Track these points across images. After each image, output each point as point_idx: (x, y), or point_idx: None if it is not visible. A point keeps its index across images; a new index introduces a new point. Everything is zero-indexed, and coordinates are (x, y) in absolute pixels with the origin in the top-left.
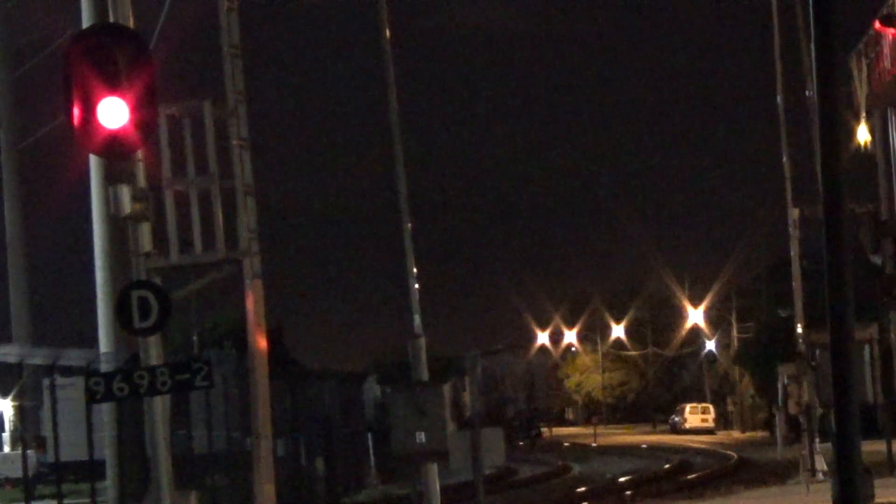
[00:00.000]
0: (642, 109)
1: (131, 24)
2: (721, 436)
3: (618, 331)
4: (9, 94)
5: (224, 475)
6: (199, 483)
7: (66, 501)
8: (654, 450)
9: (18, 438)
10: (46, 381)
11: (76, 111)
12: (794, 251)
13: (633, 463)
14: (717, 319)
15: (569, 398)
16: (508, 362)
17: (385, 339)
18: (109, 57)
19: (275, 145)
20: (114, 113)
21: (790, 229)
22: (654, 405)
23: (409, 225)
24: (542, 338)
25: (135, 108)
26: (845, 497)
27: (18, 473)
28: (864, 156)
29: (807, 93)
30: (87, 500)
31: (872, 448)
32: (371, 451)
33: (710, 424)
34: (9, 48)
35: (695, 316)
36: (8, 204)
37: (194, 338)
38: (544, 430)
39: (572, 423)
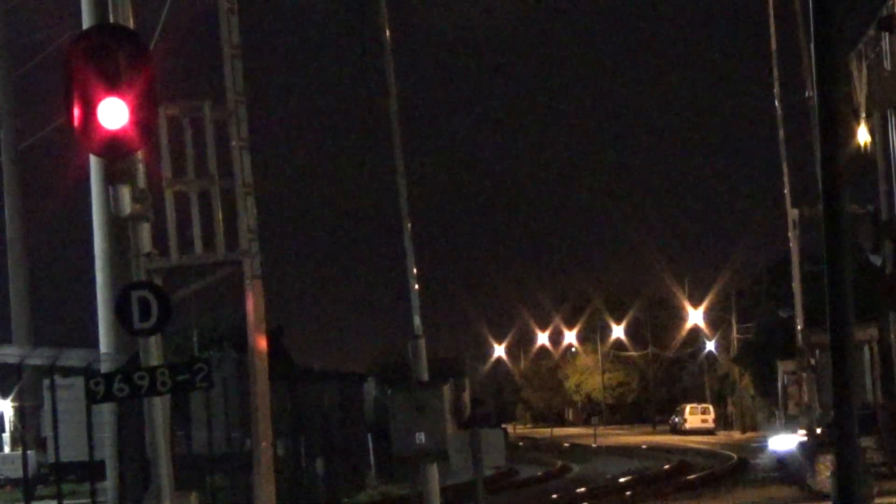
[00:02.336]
0: (642, 110)
1: (131, 24)
2: (721, 436)
3: (618, 331)
4: (9, 94)
5: (224, 475)
6: (199, 483)
7: (66, 502)
8: (654, 450)
9: (18, 439)
10: (46, 382)
11: (76, 111)
12: (794, 251)
13: (633, 463)
14: (717, 320)
15: (569, 398)
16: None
17: (385, 340)
18: (109, 57)
19: (275, 145)
20: (114, 113)
21: (790, 229)
22: (655, 406)
23: (409, 225)
24: (542, 338)
25: (135, 109)
26: (845, 497)
27: (18, 474)
28: (864, 156)
29: (807, 93)
30: (87, 501)
31: None
32: (371, 452)
33: (710, 425)
34: (9, 48)
35: (695, 316)
36: (8, 204)
37: (194, 338)
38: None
39: (572, 424)
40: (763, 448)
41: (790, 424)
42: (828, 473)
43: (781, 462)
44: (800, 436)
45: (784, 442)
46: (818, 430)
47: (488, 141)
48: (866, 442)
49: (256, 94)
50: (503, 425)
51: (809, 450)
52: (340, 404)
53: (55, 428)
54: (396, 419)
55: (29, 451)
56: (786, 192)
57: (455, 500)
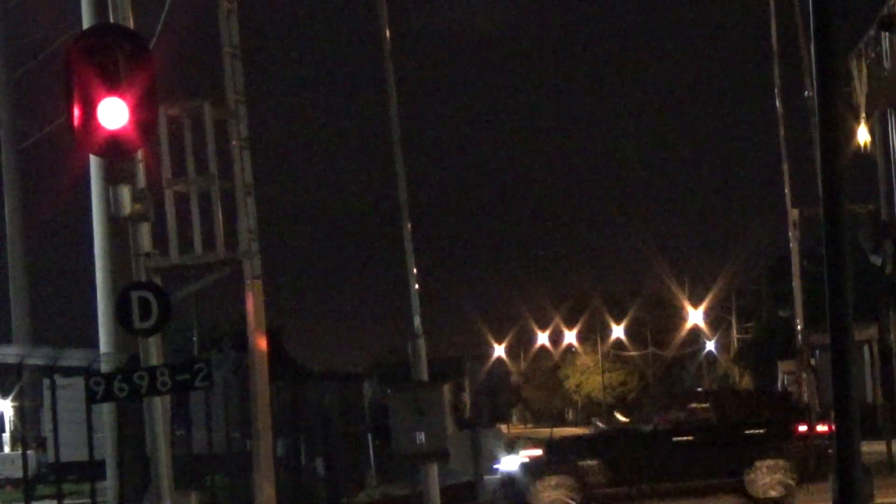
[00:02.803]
0: (642, 109)
1: (131, 24)
2: None
3: (618, 331)
4: (9, 94)
5: (224, 475)
6: (199, 483)
7: (66, 502)
8: None
9: (18, 439)
10: (46, 382)
11: (76, 111)
12: (794, 251)
13: None
14: (717, 320)
15: (569, 398)
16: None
17: (385, 340)
18: (109, 57)
19: (275, 145)
20: (114, 113)
21: (790, 229)
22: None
23: (409, 225)
24: (543, 338)
25: (135, 109)
26: (845, 497)
27: (18, 474)
28: (864, 156)
29: (806, 93)
30: (88, 501)
31: (872, 448)
32: (371, 452)
33: None
34: (9, 48)
35: (695, 316)
36: (8, 204)
37: (194, 338)
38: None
39: (572, 424)
40: (496, 468)
41: (517, 443)
42: (547, 495)
43: (507, 482)
44: (523, 456)
45: (512, 461)
46: (542, 450)
47: (488, 140)
48: (590, 464)
49: (256, 93)
50: (498, 425)
51: (531, 470)
52: (340, 404)
53: (55, 428)
54: (396, 419)
55: (29, 451)
56: (786, 191)
57: (455, 500)
